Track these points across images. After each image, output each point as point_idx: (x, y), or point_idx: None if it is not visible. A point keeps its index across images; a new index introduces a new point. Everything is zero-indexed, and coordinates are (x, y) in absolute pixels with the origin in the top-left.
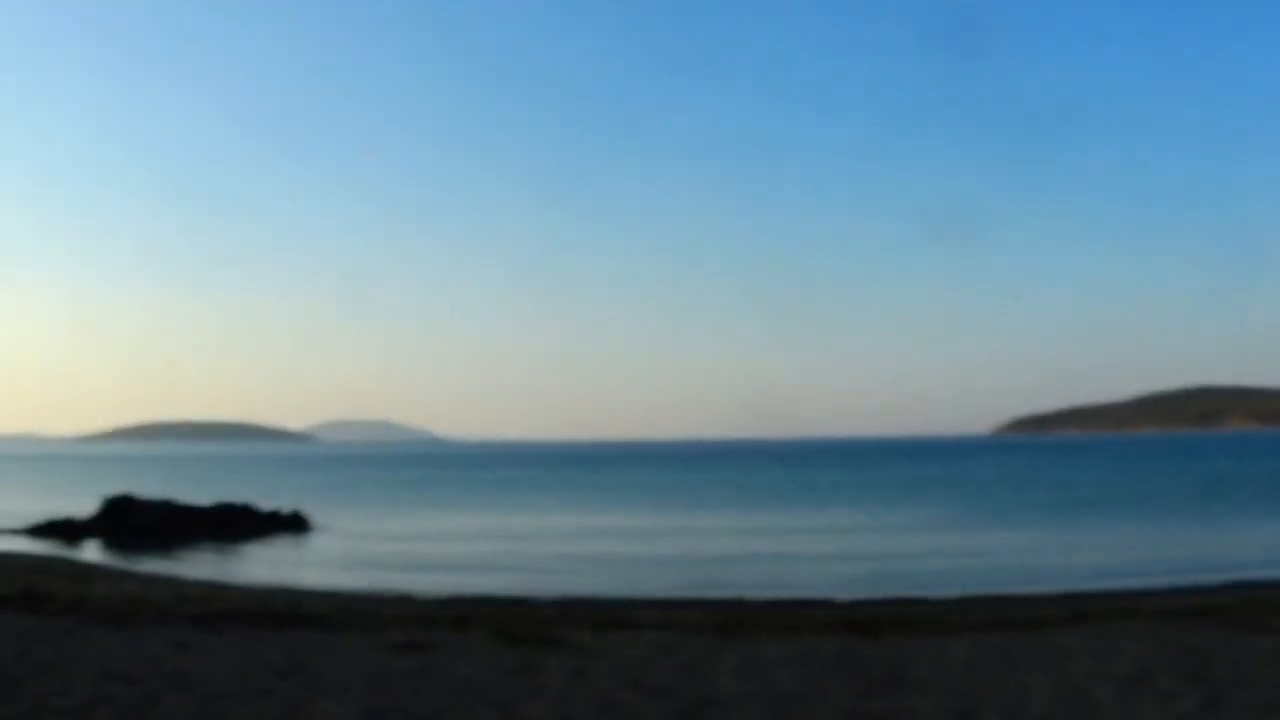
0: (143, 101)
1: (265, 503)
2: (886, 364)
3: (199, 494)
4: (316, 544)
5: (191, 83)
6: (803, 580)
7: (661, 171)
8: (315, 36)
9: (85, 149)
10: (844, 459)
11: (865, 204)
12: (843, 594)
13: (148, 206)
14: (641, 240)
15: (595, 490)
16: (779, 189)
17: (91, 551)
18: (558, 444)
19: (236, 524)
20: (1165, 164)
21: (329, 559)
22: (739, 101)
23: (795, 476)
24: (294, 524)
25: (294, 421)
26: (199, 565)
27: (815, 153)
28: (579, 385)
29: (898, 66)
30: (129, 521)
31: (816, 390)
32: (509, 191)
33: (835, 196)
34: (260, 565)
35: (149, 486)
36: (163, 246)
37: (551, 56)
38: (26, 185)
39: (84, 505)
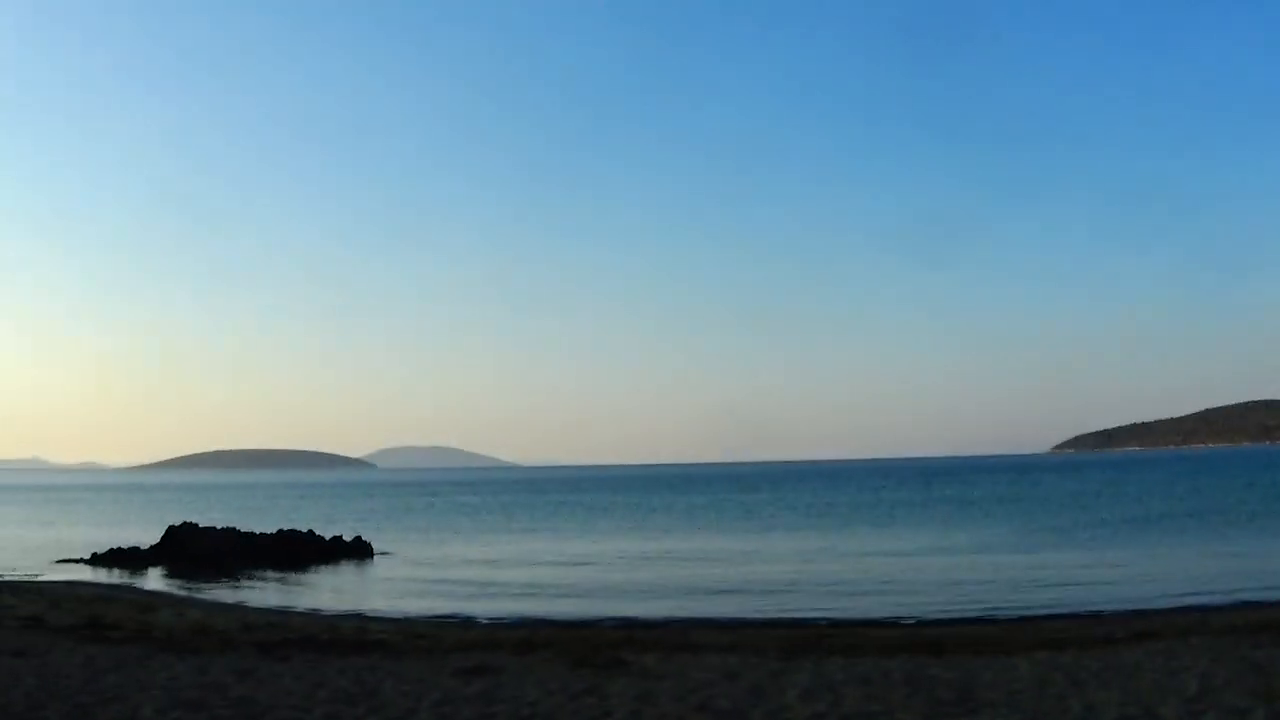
0: (188, 126)
1: (327, 529)
2: (945, 382)
3: (261, 521)
4: (380, 570)
5: (235, 106)
6: (868, 601)
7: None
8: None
9: (140, 178)
10: (904, 479)
11: (901, 215)
12: (909, 614)
13: (206, 236)
14: (682, 266)
15: (655, 513)
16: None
17: (155, 580)
18: (617, 467)
19: (299, 551)
20: (1213, 183)
21: (392, 585)
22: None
23: (856, 498)
24: (357, 550)
25: (354, 448)
26: (263, 592)
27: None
28: (636, 409)
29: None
30: (192, 549)
31: (876, 410)
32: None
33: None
34: (324, 592)
35: (211, 514)
36: (221, 276)
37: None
38: (82, 219)
39: (146, 534)
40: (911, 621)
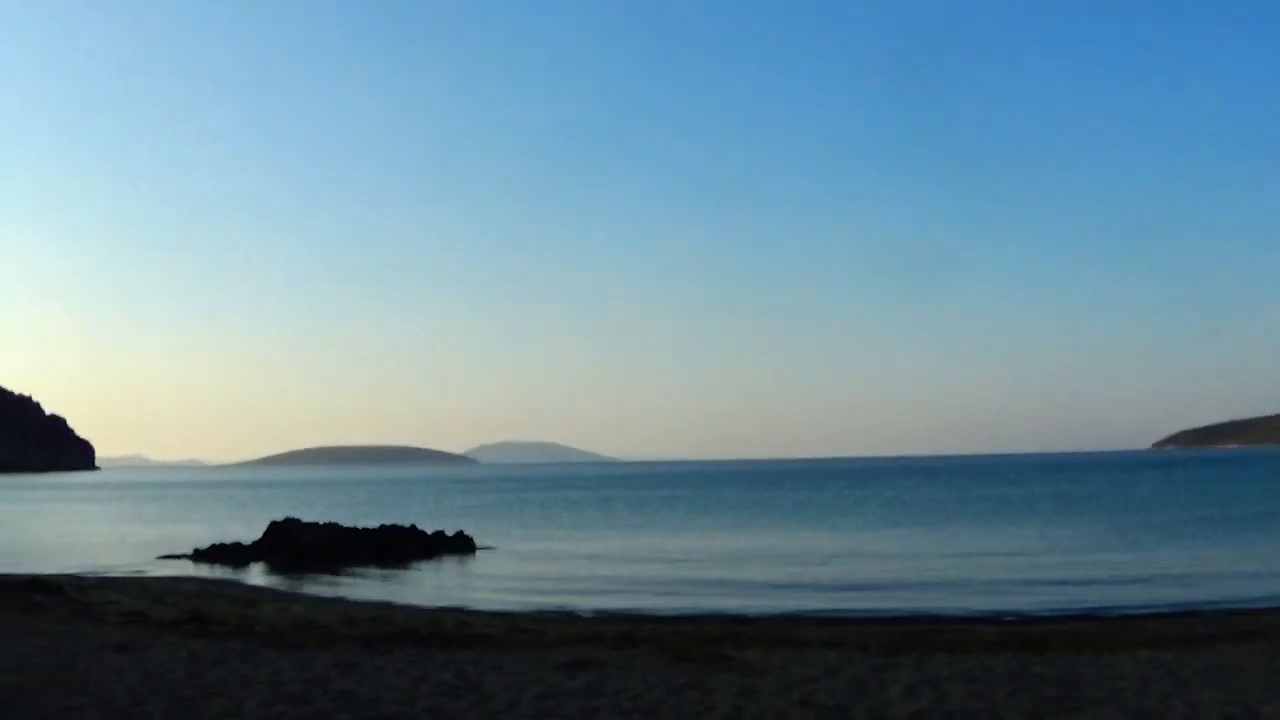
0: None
1: (429, 524)
2: (1045, 378)
3: (363, 517)
4: (481, 564)
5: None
6: (971, 597)
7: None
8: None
9: (227, 182)
10: (1005, 475)
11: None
12: (1011, 611)
13: (310, 237)
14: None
15: (757, 509)
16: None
17: (257, 575)
18: (721, 463)
19: (401, 545)
20: None
21: (495, 579)
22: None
23: (958, 493)
24: (459, 545)
25: (455, 444)
26: (365, 587)
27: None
28: (742, 404)
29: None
30: (294, 545)
31: (978, 405)
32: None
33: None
34: (426, 586)
35: (313, 510)
36: (318, 274)
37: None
38: (178, 221)
39: (249, 529)
40: (1014, 618)
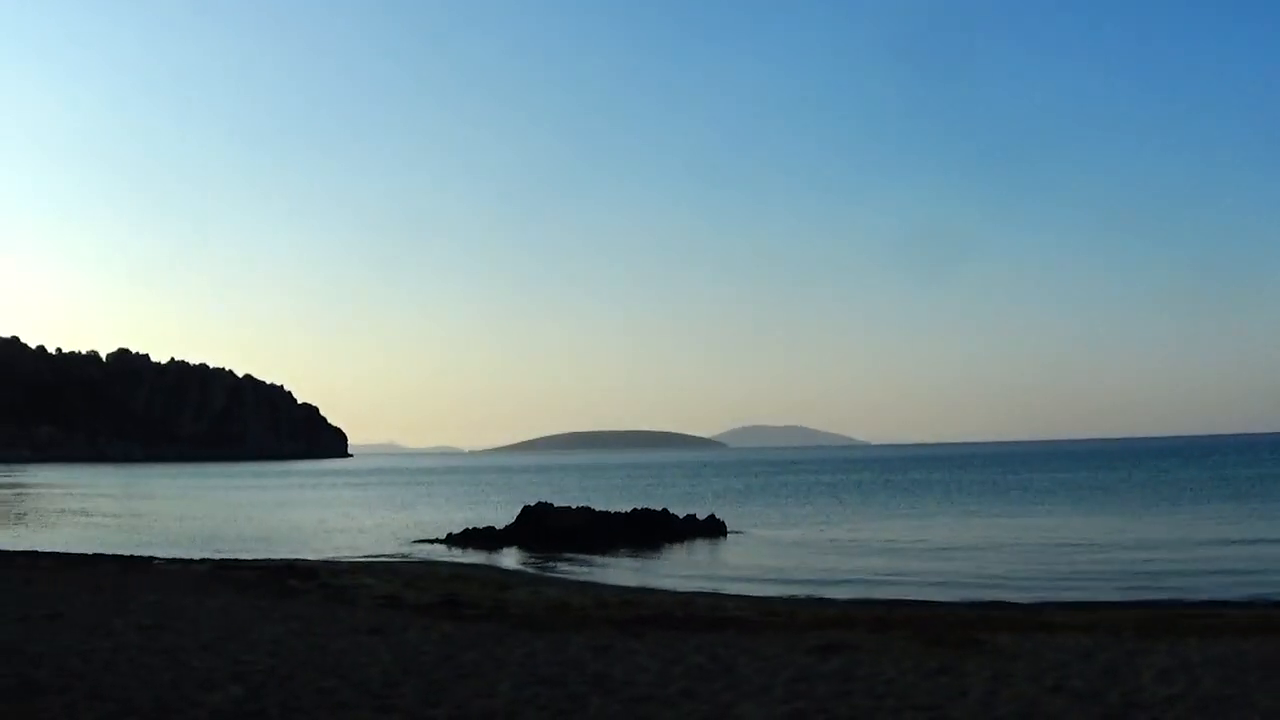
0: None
1: (681, 508)
2: None
3: (615, 501)
4: (732, 549)
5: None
6: (1225, 582)
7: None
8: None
9: (474, 177)
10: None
11: None
12: (1266, 595)
13: (566, 224)
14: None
15: (1011, 491)
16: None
17: (510, 558)
18: (974, 445)
19: (654, 530)
20: None
21: (746, 564)
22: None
23: (1214, 473)
24: (710, 529)
25: (705, 428)
26: (618, 571)
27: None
28: (992, 385)
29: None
30: (547, 528)
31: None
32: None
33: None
34: (678, 570)
35: (565, 494)
36: (572, 262)
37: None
38: (431, 210)
39: (501, 514)
40: (1269, 603)
